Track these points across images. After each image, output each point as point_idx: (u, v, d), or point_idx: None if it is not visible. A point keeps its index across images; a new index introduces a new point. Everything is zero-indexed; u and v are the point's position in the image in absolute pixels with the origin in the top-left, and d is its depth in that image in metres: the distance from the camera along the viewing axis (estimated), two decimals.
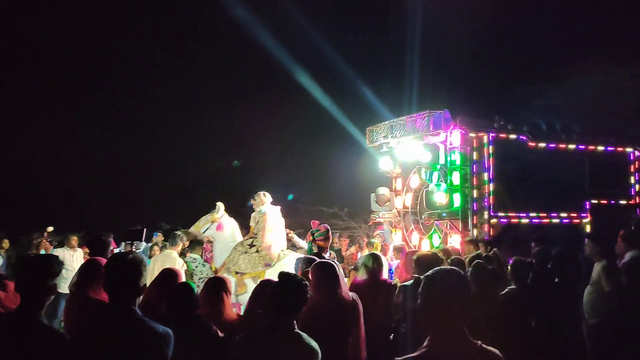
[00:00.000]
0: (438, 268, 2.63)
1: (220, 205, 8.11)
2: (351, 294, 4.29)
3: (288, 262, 7.57)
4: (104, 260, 4.15)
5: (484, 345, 2.47)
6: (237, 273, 7.67)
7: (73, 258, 9.34)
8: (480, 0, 15.08)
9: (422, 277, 4.34)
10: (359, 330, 4.18)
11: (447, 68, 14.61)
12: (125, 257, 2.89)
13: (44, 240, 8.92)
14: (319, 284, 4.12)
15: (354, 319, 4.15)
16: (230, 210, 8.40)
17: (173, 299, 3.94)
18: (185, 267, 7.43)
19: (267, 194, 8.17)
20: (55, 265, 3.09)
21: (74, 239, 9.62)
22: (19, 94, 17.86)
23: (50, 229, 9.37)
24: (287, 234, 10.55)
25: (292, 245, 11.25)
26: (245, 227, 8.63)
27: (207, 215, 8.11)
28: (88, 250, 9.53)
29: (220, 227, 8.09)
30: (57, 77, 18.42)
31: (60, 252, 9.41)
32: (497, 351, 2.49)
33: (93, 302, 3.81)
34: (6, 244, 10.62)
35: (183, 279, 4.83)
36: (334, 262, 4.55)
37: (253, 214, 8.18)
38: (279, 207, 8.24)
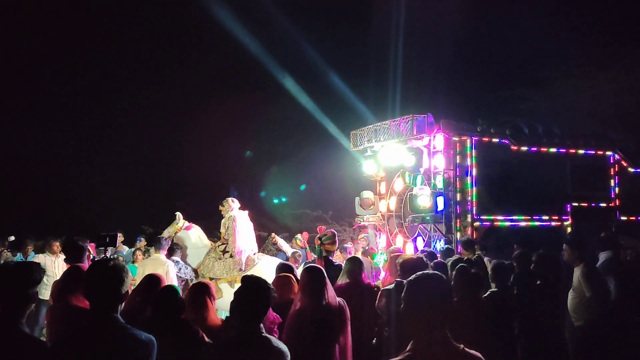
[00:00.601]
0: (420, 272, 2.64)
1: (179, 215, 8.18)
2: (338, 299, 4.30)
3: (263, 266, 7.68)
4: (86, 267, 4.12)
5: (467, 349, 2.49)
6: (211, 279, 7.66)
7: (54, 264, 9.18)
8: (462, 5, 15.23)
9: (404, 281, 4.39)
10: (346, 335, 4.19)
11: (430, 72, 14.74)
12: (106, 264, 2.86)
13: (5, 250, 8.72)
14: (306, 289, 4.12)
15: (341, 324, 4.16)
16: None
17: (158, 302, 3.91)
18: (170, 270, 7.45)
19: (234, 199, 8.25)
20: (35, 273, 3.05)
21: (56, 245, 9.45)
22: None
23: (12, 238, 9.21)
24: (272, 238, 10.56)
25: (277, 250, 11.25)
26: (213, 234, 8.69)
27: (169, 228, 8.15)
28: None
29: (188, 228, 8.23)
30: (44, 75, 18.15)
31: (41, 258, 9.25)
32: (479, 354, 2.51)
33: (75, 310, 3.77)
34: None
35: (168, 282, 4.81)
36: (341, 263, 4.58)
37: (223, 220, 8.21)
38: (246, 212, 8.30)
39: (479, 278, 4.91)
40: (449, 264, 5.65)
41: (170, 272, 7.85)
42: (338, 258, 10.15)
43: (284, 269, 5.09)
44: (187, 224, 8.27)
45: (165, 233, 8.12)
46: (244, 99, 18.39)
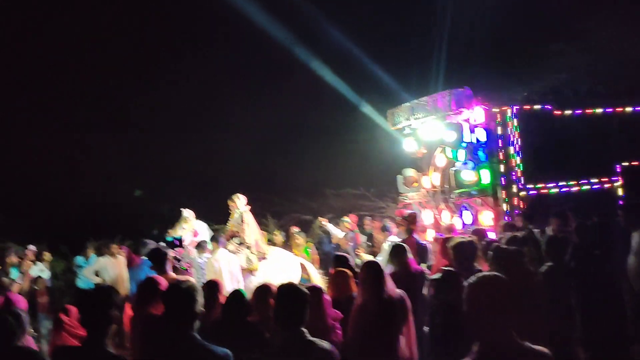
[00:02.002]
0: (481, 274, 2.70)
1: (190, 212, 8.45)
2: (398, 291, 4.37)
3: (279, 255, 8.33)
4: (159, 278, 4.36)
5: (533, 346, 2.55)
6: None
7: (114, 266, 9.64)
8: None
9: (451, 270, 4.43)
10: (409, 326, 4.27)
11: (462, 44, 14.36)
12: (181, 287, 3.04)
13: (27, 260, 9.16)
14: (366, 284, 4.22)
15: (403, 315, 4.23)
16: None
17: (226, 306, 4.10)
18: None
19: (241, 195, 8.55)
20: (113, 295, 3.27)
21: (114, 247, 9.91)
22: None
23: (32, 247, 9.70)
24: (319, 222, 10.70)
25: (324, 233, 11.38)
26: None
27: (180, 223, 8.45)
28: (125, 257, 9.89)
29: (195, 233, 8.55)
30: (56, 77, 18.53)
31: (102, 261, 9.73)
32: (545, 350, 2.57)
33: (154, 319, 3.98)
34: (47, 256, 10.95)
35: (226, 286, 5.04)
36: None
37: (234, 216, 8.48)
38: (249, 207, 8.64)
39: (516, 255, 4.81)
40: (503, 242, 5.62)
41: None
42: (379, 235, 10.23)
43: (339, 262, 5.17)
44: (196, 222, 8.71)
45: (178, 229, 8.40)
46: (277, 82, 18.46)
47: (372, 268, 4.29)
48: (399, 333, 4.18)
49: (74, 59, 18.33)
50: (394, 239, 8.94)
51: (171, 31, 19.39)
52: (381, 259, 8.81)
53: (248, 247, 8.25)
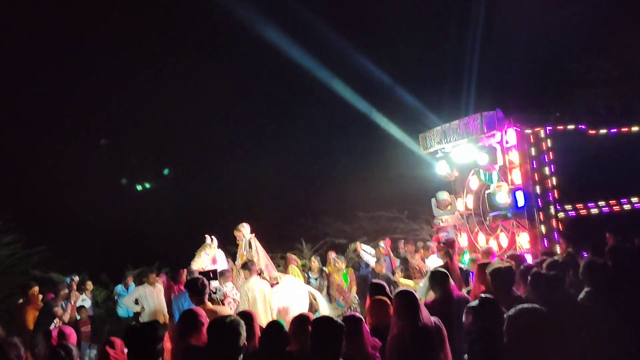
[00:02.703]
0: (520, 307, 2.72)
1: (213, 238, 8.49)
2: (433, 318, 4.36)
3: (290, 282, 8.35)
4: (199, 310, 4.46)
5: None
6: None
7: (153, 294, 9.83)
8: None
9: (489, 297, 4.39)
10: (446, 353, 4.25)
11: (492, 61, 14.34)
12: (224, 322, 3.13)
13: (74, 291, 9.41)
14: (400, 314, 4.23)
15: (440, 344, 4.22)
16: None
17: (265, 336, 4.16)
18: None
19: (245, 224, 8.70)
20: (159, 331, 3.39)
21: (153, 276, 10.11)
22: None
23: (76, 278, 9.95)
24: (354, 246, 10.70)
25: (358, 257, 11.39)
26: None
27: (204, 249, 8.39)
28: (163, 285, 10.06)
29: (214, 260, 8.51)
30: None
31: (141, 290, 9.93)
32: None
33: (196, 349, 4.06)
34: (90, 285, 11.25)
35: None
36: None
37: (242, 244, 8.61)
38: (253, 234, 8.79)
39: (555, 280, 4.73)
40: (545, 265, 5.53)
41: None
42: (412, 259, 10.20)
43: (377, 290, 5.17)
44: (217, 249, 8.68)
45: (202, 256, 8.33)
46: (312, 106, 18.71)
47: (405, 297, 4.29)
48: None
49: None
50: (435, 258, 8.91)
51: (202, 61, 19.89)
52: (422, 284, 8.81)
53: (260, 274, 8.28)
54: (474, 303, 4.48)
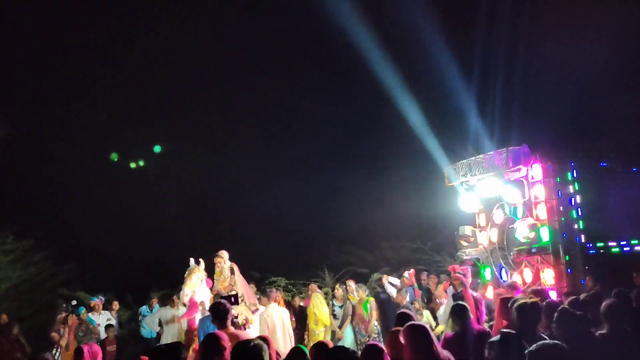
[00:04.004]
0: (541, 343, 2.75)
1: (200, 261, 8.35)
2: (445, 352, 4.36)
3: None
4: (221, 334, 4.55)
5: None
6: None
7: (174, 317, 9.94)
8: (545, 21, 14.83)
9: (511, 332, 4.38)
10: None
11: (518, 95, 14.39)
12: (248, 346, 3.22)
13: (71, 315, 9.63)
14: (414, 347, 4.22)
15: None
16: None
17: None
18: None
19: (224, 251, 8.67)
20: (182, 353, 3.49)
21: (175, 299, 10.24)
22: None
23: (101, 298, 10.13)
24: (380, 277, 10.70)
25: (380, 286, 11.37)
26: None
27: (193, 272, 8.14)
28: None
29: (208, 283, 8.50)
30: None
31: (163, 312, 10.07)
32: None
33: None
34: (116, 305, 11.45)
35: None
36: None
37: (222, 271, 8.55)
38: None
39: (582, 320, 4.70)
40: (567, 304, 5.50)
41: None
42: (436, 291, 10.15)
43: (404, 320, 5.09)
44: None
45: (194, 279, 8.06)
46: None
47: (418, 331, 4.25)
48: None
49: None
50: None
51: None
52: (441, 311, 8.78)
53: (242, 300, 8.37)
54: (496, 338, 4.48)
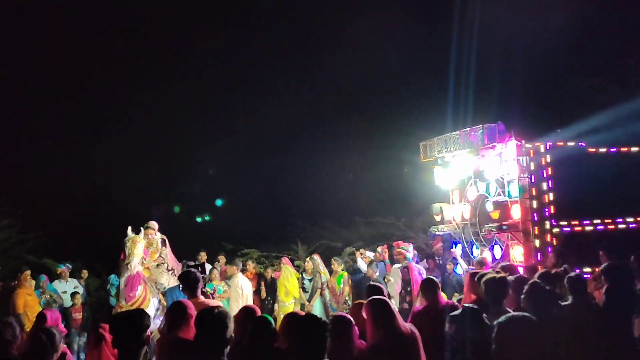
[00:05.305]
0: (510, 315, 2.74)
1: (141, 230, 8.20)
2: (408, 325, 4.36)
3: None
4: (188, 303, 4.47)
5: None
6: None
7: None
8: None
9: (473, 307, 4.39)
10: None
11: (497, 73, 14.39)
12: (212, 313, 3.14)
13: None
14: (376, 321, 4.19)
15: (415, 352, 4.21)
16: None
17: (254, 332, 4.16)
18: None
19: (155, 222, 8.60)
20: (146, 319, 3.40)
21: None
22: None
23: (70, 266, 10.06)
24: (357, 254, 10.75)
25: (353, 261, 11.41)
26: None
27: (139, 242, 7.99)
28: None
29: (145, 253, 8.36)
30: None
31: None
32: None
33: (182, 342, 4.06)
34: (85, 273, 11.29)
35: None
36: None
37: (152, 242, 8.45)
38: None
39: (553, 295, 4.77)
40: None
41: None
42: None
43: (374, 292, 5.04)
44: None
45: (140, 249, 7.96)
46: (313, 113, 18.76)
47: (380, 305, 4.24)
48: None
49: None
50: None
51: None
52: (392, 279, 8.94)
53: (170, 270, 8.38)
54: (458, 312, 4.48)
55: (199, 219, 20.20)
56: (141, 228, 8.23)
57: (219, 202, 19.60)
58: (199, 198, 19.72)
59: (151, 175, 18.62)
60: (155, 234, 8.53)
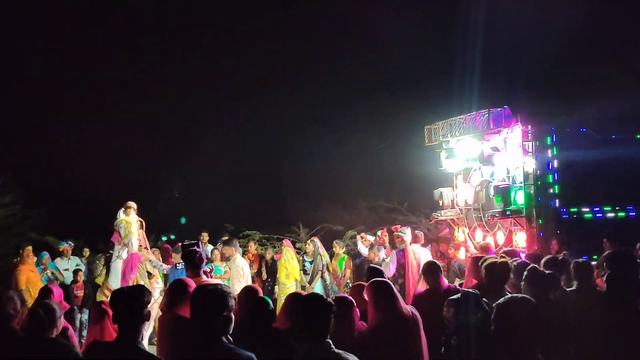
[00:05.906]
0: (510, 296, 2.70)
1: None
2: (409, 307, 4.37)
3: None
4: (189, 281, 4.45)
5: None
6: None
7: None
8: None
9: (473, 291, 4.37)
10: (421, 345, 4.26)
11: (504, 59, 14.23)
12: (209, 290, 3.11)
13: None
14: (378, 303, 4.20)
15: (416, 334, 4.22)
16: None
17: (251, 312, 4.15)
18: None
19: (133, 202, 8.42)
20: (146, 295, 3.37)
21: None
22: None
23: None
24: (359, 238, 10.74)
25: (354, 244, 11.42)
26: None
27: (134, 222, 8.12)
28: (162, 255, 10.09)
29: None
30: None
31: None
32: None
33: (182, 320, 4.06)
34: (86, 252, 11.32)
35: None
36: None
37: (123, 225, 8.24)
38: None
39: (552, 279, 4.75)
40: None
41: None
42: None
43: (374, 275, 5.03)
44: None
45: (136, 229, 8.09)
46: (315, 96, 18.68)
47: (382, 287, 4.25)
48: (414, 350, 4.16)
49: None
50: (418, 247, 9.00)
51: None
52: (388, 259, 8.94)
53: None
54: (457, 296, 4.46)
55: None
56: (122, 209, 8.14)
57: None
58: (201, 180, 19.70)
59: (155, 155, 18.59)
60: (135, 214, 8.41)
